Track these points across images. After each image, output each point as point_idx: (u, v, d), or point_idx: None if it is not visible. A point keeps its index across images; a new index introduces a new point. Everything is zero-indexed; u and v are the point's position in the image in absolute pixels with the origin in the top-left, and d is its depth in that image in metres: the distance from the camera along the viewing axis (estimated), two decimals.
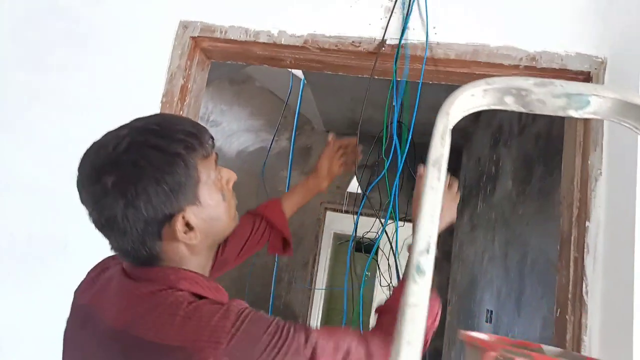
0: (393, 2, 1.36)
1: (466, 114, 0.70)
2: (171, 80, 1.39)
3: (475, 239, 3.30)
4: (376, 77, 1.42)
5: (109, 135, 0.72)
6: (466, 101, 0.70)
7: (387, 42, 1.35)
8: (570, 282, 1.18)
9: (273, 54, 1.44)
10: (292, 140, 4.08)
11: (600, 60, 1.25)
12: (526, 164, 2.40)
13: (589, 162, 1.20)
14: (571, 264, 1.19)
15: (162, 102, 1.38)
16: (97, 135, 0.74)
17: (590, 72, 1.26)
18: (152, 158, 0.68)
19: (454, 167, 4.37)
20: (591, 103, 0.67)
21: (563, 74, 1.28)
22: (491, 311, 2.58)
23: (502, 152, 2.93)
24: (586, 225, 1.17)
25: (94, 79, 1.43)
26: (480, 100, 0.71)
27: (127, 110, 1.34)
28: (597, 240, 1.15)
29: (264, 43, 1.39)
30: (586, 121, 1.25)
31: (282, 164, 4.44)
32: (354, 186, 4.30)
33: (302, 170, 4.39)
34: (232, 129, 4.58)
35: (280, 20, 1.39)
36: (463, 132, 4.02)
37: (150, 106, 1.37)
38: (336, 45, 1.36)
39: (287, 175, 4.45)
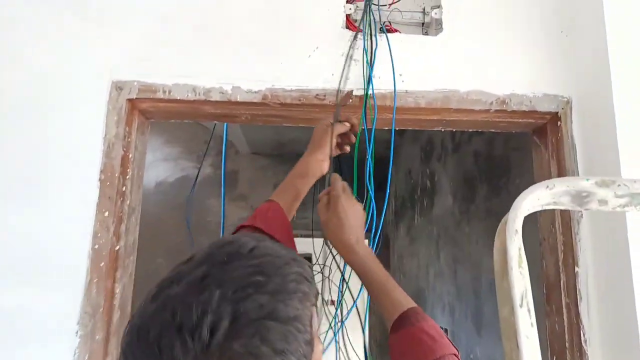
0: (354, 50, 1.27)
1: (529, 212, 0.64)
2: (109, 152, 1.17)
3: (416, 252, 3.33)
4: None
5: (182, 302, 0.49)
6: (528, 202, 0.63)
7: (354, 93, 1.25)
8: (566, 330, 1.17)
9: (227, 111, 1.27)
10: (223, 165, 3.85)
11: (566, 99, 1.26)
12: (467, 182, 2.44)
13: None
14: (564, 310, 1.18)
15: (100, 180, 1.15)
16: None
17: (558, 112, 1.26)
18: (270, 337, 0.48)
19: (383, 177, 4.42)
20: None
21: (532, 115, 1.27)
22: (446, 329, 2.60)
23: (436, 167, 2.98)
24: (575, 270, 1.16)
25: (7, 166, 1.16)
26: (539, 202, 0.64)
27: (57, 196, 1.12)
28: (588, 285, 1.15)
29: (216, 101, 1.22)
30: (559, 162, 1.25)
31: (207, 191, 4.19)
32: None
33: (229, 198, 4.17)
34: (147, 160, 4.20)
35: (234, 75, 1.23)
36: (389, 143, 4.07)
37: (87, 188, 1.14)
38: (299, 100, 1.24)
39: (214, 204, 4.21)
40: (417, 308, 0.88)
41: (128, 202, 1.21)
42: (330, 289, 1.36)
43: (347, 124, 1.17)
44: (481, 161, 2.28)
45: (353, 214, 0.97)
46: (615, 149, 1.09)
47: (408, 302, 0.89)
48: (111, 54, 1.22)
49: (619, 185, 0.61)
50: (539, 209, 0.64)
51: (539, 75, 1.27)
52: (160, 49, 1.24)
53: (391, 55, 1.25)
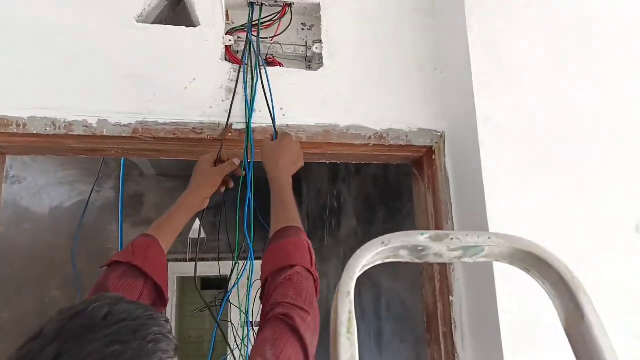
0: (234, 83, 1.23)
1: (365, 269, 0.63)
2: None
3: (326, 273, 3.35)
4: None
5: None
6: (364, 260, 0.62)
7: (233, 127, 1.22)
8: (443, 359, 1.20)
9: (93, 146, 1.18)
10: (121, 189, 3.62)
11: (439, 134, 1.31)
12: (368, 204, 2.49)
13: None
14: (441, 339, 1.21)
15: None
16: None
17: (432, 146, 1.31)
18: None
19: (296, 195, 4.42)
20: (485, 250, 0.65)
21: (409, 149, 1.31)
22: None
23: (342, 189, 3.02)
24: (450, 300, 1.20)
25: None
26: (377, 257, 0.64)
27: None
28: (462, 314, 1.19)
29: (79, 136, 1.13)
30: (435, 194, 1.30)
31: (109, 216, 3.93)
32: (196, 231, 4.02)
33: (133, 222, 3.94)
34: (39, 184, 3.88)
35: (99, 107, 1.15)
36: None
37: None
38: (174, 133, 1.18)
39: (115, 229, 3.95)
40: (300, 228, 0.97)
41: None
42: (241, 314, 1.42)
43: (236, 162, 1.17)
44: (379, 184, 2.34)
45: (293, 147, 1.13)
46: (481, 182, 1.15)
47: (295, 222, 0.98)
48: None
49: (452, 239, 0.62)
50: (380, 262, 0.64)
51: (414, 110, 1.31)
52: (15, 79, 1.12)
53: (270, 87, 1.23)
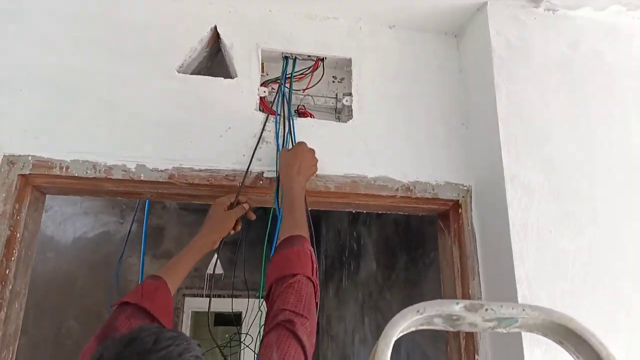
0: (267, 132, 1.28)
1: (400, 336, 0.64)
2: None
3: (343, 316, 3.30)
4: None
5: None
6: (400, 327, 0.63)
7: (264, 175, 1.25)
8: None
9: (130, 189, 1.23)
10: (145, 224, 3.68)
11: (466, 188, 1.33)
12: (389, 249, 2.48)
13: (470, 293, 1.24)
14: None
15: None
16: None
17: (459, 200, 1.32)
18: None
19: (314, 235, 4.41)
20: (519, 322, 0.65)
21: (435, 202, 1.32)
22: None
23: (362, 231, 3.02)
24: (476, 358, 1.18)
25: None
26: (412, 324, 0.64)
27: None
28: None
29: (117, 179, 1.18)
30: (461, 248, 1.30)
31: (130, 248, 3.96)
32: (215, 267, 4.03)
33: (153, 255, 3.98)
34: (65, 213, 3.97)
35: (138, 152, 1.20)
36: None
37: None
38: (208, 180, 1.22)
39: (136, 262, 3.99)
40: (304, 237, 1.03)
41: (11, 286, 1.10)
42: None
43: (246, 206, 1.24)
44: (401, 230, 2.33)
45: (306, 154, 1.19)
46: (508, 239, 1.15)
47: (302, 230, 1.04)
48: (4, 127, 1.15)
49: (486, 309, 0.63)
50: (414, 329, 0.65)
51: (441, 163, 1.34)
52: (60, 124, 1.19)
53: (294, 136, 1.27)
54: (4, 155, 1.13)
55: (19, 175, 1.13)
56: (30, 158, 1.14)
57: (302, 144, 1.22)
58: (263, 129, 1.28)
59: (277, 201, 1.23)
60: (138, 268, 3.94)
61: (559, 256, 1.15)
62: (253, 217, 1.28)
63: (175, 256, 1.14)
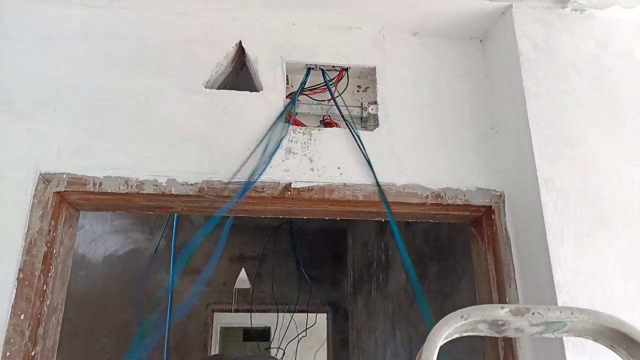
0: (293, 143, 1.28)
1: (445, 342, 0.63)
2: (30, 249, 1.10)
3: (373, 329, 3.26)
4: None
5: None
6: (444, 333, 0.61)
7: (292, 186, 1.25)
8: None
9: (161, 203, 1.24)
10: (173, 241, 3.72)
11: (498, 194, 1.30)
12: (419, 260, 2.44)
13: (507, 301, 1.20)
14: None
15: (18, 279, 1.08)
16: None
17: (491, 206, 1.29)
18: None
19: (340, 249, 4.39)
20: (567, 325, 0.62)
21: (467, 208, 1.30)
22: None
23: (390, 242, 2.99)
24: None
25: None
26: (455, 330, 0.62)
27: None
28: None
29: (149, 194, 1.19)
30: (495, 255, 1.26)
31: (158, 265, 4.02)
32: (242, 281, 4.05)
33: (181, 271, 4.01)
34: (96, 232, 4.06)
35: (168, 166, 1.21)
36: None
37: (1, 288, 1.06)
38: (236, 192, 1.22)
39: (163, 279, 4.03)
40: None
41: (48, 301, 1.13)
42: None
43: None
44: (430, 240, 2.29)
45: None
46: (545, 245, 1.12)
47: None
48: (39, 146, 1.19)
49: (533, 313, 0.61)
50: (457, 335, 0.63)
51: (472, 169, 1.31)
52: (92, 141, 1.21)
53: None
54: (40, 174, 1.16)
55: (54, 192, 1.15)
56: (64, 175, 1.17)
57: None
58: (294, 141, 1.28)
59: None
60: (167, 284, 3.99)
61: (597, 260, 1.12)
62: None
63: None
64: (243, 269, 4.17)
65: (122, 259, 4.04)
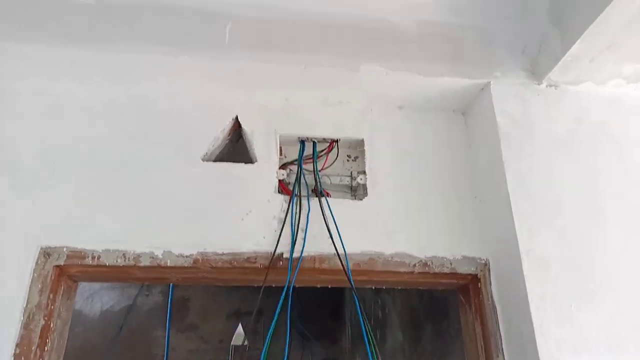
0: (285, 214, 1.33)
1: None
2: (28, 323, 1.13)
3: None
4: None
5: None
6: None
7: (284, 256, 1.29)
8: None
9: (156, 275, 1.28)
10: (170, 297, 3.72)
11: (484, 262, 1.34)
12: (414, 320, 2.44)
13: None
14: None
15: (14, 354, 1.10)
16: None
17: (477, 274, 1.33)
18: None
19: (337, 305, 4.35)
20: None
21: (454, 276, 1.33)
22: None
23: (386, 299, 2.98)
24: None
25: None
26: None
27: None
28: None
29: (145, 267, 1.23)
30: (483, 324, 1.29)
31: (155, 321, 3.99)
32: (239, 338, 3.99)
33: (178, 328, 3.97)
34: (93, 288, 4.04)
35: (165, 238, 1.26)
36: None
37: None
38: (230, 263, 1.27)
39: (160, 335, 3.98)
40: None
41: None
42: None
43: None
44: (425, 300, 2.30)
45: None
46: (529, 314, 1.15)
47: None
48: (41, 219, 1.24)
49: None
50: None
51: (457, 237, 1.36)
52: (91, 212, 1.27)
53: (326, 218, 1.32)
54: (41, 248, 1.20)
55: (54, 266, 1.20)
56: (65, 249, 1.21)
57: None
58: (286, 211, 1.33)
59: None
60: (164, 341, 3.93)
61: (580, 330, 1.14)
62: None
63: None
64: (240, 324, 4.12)
65: (119, 315, 4.00)
